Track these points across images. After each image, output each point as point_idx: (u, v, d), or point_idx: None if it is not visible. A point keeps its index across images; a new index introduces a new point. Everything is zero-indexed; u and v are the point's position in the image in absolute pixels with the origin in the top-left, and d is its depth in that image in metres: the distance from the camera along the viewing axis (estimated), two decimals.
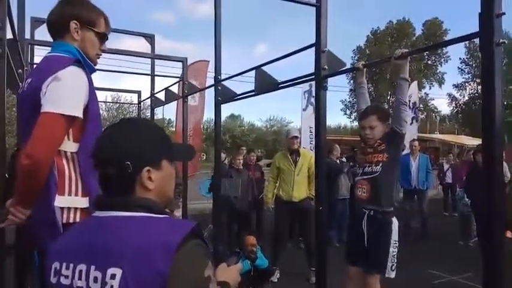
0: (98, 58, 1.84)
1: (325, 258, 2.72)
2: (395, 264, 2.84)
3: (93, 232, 0.89)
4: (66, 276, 0.88)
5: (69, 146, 1.60)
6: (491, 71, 1.56)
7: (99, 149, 0.96)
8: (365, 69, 2.86)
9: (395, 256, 2.84)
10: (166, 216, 0.94)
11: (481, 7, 1.57)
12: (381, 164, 2.85)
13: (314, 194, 4.21)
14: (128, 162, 0.91)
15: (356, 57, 39.70)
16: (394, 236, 2.84)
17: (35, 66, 3.26)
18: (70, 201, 1.57)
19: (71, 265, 0.88)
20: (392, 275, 2.82)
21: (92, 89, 1.67)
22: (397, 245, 2.85)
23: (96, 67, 1.85)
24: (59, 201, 1.56)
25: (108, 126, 1.03)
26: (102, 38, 1.79)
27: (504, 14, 1.53)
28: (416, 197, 7.21)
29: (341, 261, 3.09)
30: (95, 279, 0.84)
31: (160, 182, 0.97)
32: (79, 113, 1.56)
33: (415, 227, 7.10)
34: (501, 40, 1.54)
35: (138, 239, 0.84)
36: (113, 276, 0.81)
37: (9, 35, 2.40)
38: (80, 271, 0.86)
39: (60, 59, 1.63)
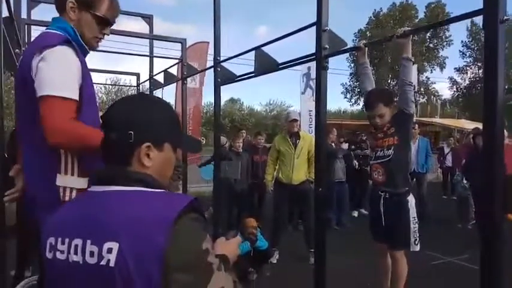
0: (98, 42, 1.76)
1: (324, 240, 2.73)
2: (418, 239, 3.02)
3: (89, 207, 0.88)
4: (62, 251, 0.87)
5: None
6: (495, 49, 1.53)
7: (110, 112, 0.97)
8: (366, 49, 2.81)
9: (417, 231, 3.01)
10: (164, 190, 0.93)
11: None
12: (392, 148, 2.90)
13: (313, 177, 4.24)
14: (131, 132, 0.91)
15: (357, 40, 39.34)
16: (413, 213, 2.99)
17: None
18: (67, 181, 1.56)
19: (67, 240, 0.87)
20: (417, 248, 3.02)
21: (86, 71, 1.61)
22: (416, 220, 3.01)
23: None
24: (59, 180, 1.55)
25: (125, 97, 1.05)
26: (102, 21, 1.70)
27: None
28: (415, 180, 7.22)
29: (340, 243, 3.15)
30: (91, 254, 0.83)
31: (158, 163, 0.96)
32: (75, 95, 1.52)
33: None
34: (505, 17, 1.51)
35: (135, 213, 0.83)
36: (110, 250, 0.81)
37: (5, 13, 2.36)
38: (76, 246, 0.85)
39: (50, 36, 1.58)
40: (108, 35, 1.78)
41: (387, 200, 3.00)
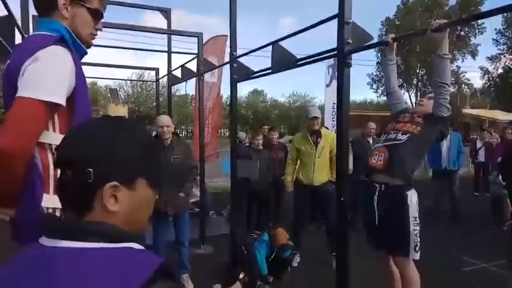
0: (93, 39, 1.63)
1: (347, 245, 2.53)
2: (419, 244, 2.59)
3: (35, 268, 0.69)
4: None
5: (54, 138, 1.41)
6: None
7: (63, 144, 0.77)
8: (395, 44, 2.52)
9: (418, 235, 2.58)
10: (127, 246, 0.73)
11: None
12: (408, 135, 2.57)
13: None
14: (90, 169, 0.71)
15: (384, 29, 38.24)
16: (413, 211, 2.56)
17: None
18: (56, 201, 1.40)
19: None
20: (417, 256, 2.59)
21: (80, 73, 1.46)
22: (417, 222, 2.59)
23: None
24: (45, 200, 1.39)
25: (84, 122, 0.83)
26: (96, 15, 1.56)
27: None
28: (446, 178, 6.84)
29: (364, 246, 2.88)
30: None
31: (128, 205, 0.75)
32: (61, 100, 1.35)
33: (444, 209, 6.79)
34: None
35: (85, 284, 0.63)
36: None
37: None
38: None
39: (42, 38, 1.42)
40: (101, 30, 1.64)
41: (382, 193, 2.60)
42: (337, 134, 2.50)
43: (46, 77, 1.33)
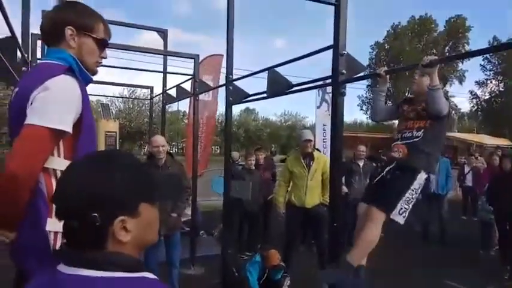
0: (98, 66, 1.68)
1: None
2: (406, 212, 2.57)
3: None
4: None
5: (60, 163, 1.44)
6: None
7: (59, 195, 0.78)
8: (388, 76, 2.58)
9: (410, 203, 2.57)
10: (143, 275, 0.77)
11: None
12: (422, 130, 2.60)
13: (327, 200, 4.04)
14: (95, 214, 0.73)
15: (374, 52, 39.07)
16: (416, 184, 2.57)
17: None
18: (59, 225, 1.42)
19: None
20: (400, 219, 2.55)
21: (86, 101, 1.52)
22: (415, 194, 2.58)
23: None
24: (49, 224, 1.41)
25: (72, 164, 0.85)
26: (102, 44, 1.63)
27: None
28: (435, 202, 6.95)
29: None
30: None
31: (138, 231, 0.79)
32: (68, 127, 1.41)
33: (432, 232, 6.88)
34: None
35: None
36: None
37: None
38: None
39: (51, 67, 1.47)
40: (106, 58, 1.70)
41: (397, 164, 2.62)
42: (331, 159, 2.57)
43: (55, 105, 1.38)
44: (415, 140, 2.60)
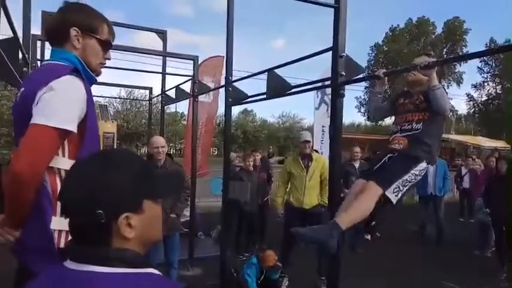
0: (101, 67, 1.70)
1: (338, 270, 2.57)
2: (401, 192, 2.55)
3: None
4: None
5: (65, 163, 1.46)
6: None
7: (65, 194, 0.81)
8: (386, 78, 2.60)
9: (406, 186, 2.55)
10: (148, 272, 0.79)
11: None
12: (422, 123, 2.61)
13: (326, 202, 4.06)
14: (100, 211, 0.76)
15: (373, 54, 39.21)
16: (416, 170, 2.57)
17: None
18: (63, 223, 1.43)
19: None
20: (393, 198, 2.52)
21: (91, 101, 1.53)
22: (414, 180, 2.57)
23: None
24: (53, 222, 1.43)
25: (76, 163, 0.87)
26: (106, 45, 1.64)
27: None
28: (432, 203, 6.98)
29: (355, 270, 2.91)
30: None
31: (142, 227, 0.81)
32: (73, 127, 1.42)
33: (429, 234, 6.91)
34: None
35: None
36: None
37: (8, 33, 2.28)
38: None
39: (56, 68, 1.49)
40: (110, 59, 1.72)
41: (400, 152, 2.61)
42: (330, 160, 2.59)
43: (60, 105, 1.39)
44: (415, 132, 2.61)
